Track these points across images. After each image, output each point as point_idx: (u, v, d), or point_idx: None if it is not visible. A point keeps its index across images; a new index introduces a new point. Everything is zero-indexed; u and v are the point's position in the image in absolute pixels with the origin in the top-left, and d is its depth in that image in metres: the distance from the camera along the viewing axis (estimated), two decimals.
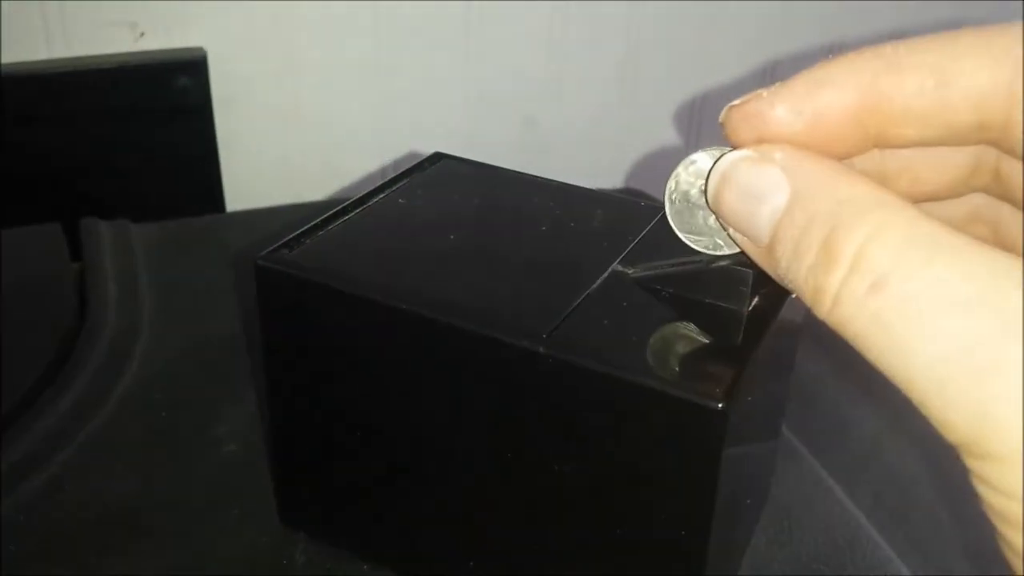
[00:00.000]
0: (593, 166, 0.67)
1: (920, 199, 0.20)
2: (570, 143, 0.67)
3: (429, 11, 0.59)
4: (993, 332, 0.14)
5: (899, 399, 0.39)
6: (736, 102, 0.20)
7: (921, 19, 0.73)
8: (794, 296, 0.20)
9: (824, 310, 0.17)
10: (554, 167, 0.33)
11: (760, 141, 0.19)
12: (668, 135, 0.71)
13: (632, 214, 0.28)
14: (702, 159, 0.22)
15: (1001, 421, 0.14)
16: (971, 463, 0.15)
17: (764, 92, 0.19)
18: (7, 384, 0.36)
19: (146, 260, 0.44)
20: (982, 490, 0.15)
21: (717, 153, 0.21)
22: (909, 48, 0.18)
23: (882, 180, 0.20)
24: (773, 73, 0.70)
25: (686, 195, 0.23)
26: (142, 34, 0.54)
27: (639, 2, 0.64)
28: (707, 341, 0.23)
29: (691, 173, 0.23)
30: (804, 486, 0.33)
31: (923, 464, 0.35)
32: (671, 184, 0.23)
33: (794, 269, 0.18)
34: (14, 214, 0.50)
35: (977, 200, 0.20)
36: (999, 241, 0.20)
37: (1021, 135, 0.17)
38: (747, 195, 0.19)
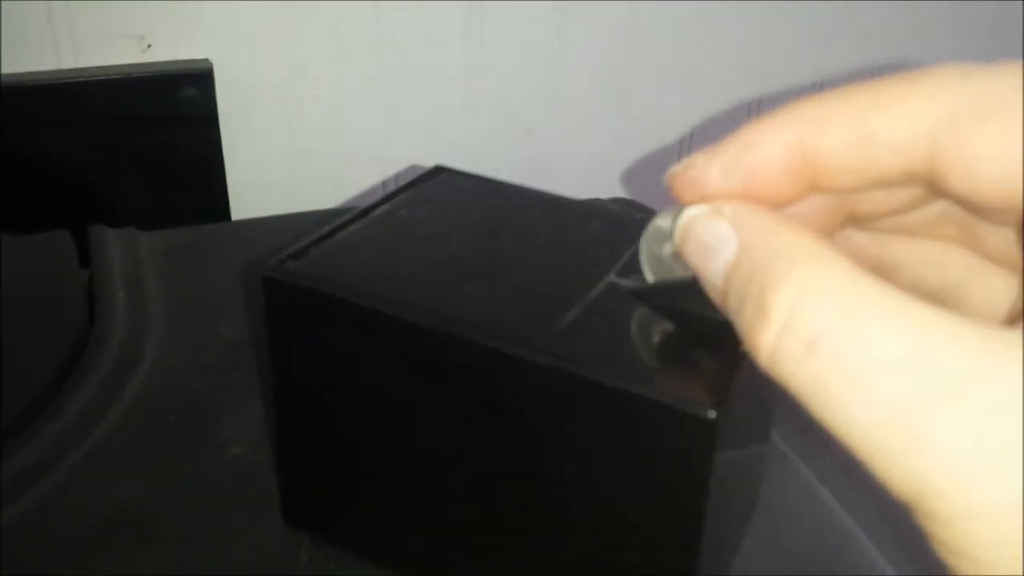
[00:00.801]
0: (590, 175, 0.68)
1: (887, 215, 0.21)
2: (568, 153, 0.68)
3: (431, 25, 0.60)
4: (925, 397, 0.14)
5: None
6: (676, 168, 0.20)
7: (922, 19, 0.74)
8: None
9: (763, 364, 0.17)
10: (552, 176, 0.34)
11: (704, 200, 0.20)
12: (664, 145, 0.72)
13: (627, 226, 0.29)
14: (665, 220, 0.24)
15: (939, 487, 0.14)
16: (918, 520, 0.15)
17: (699, 158, 0.20)
18: (16, 389, 0.37)
19: (154, 267, 0.45)
20: (933, 544, 0.15)
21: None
22: (833, 103, 0.18)
23: (843, 207, 0.20)
24: (763, 95, 0.71)
25: (656, 254, 0.25)
26: (149, 46, 0.55)
27: (637, 13, 0.65)
28: (698, 351, 0.24)
29: (653, 236, 0.24)
30: (793, 490, 0.34)
31: None
32: (642, 243, 0.24)
33: (739, 321, 0.18)
34: (23, 222, 0.51)
35: (943, 203, 0.20)
36: (968, 238, 0.20)
37: (949, 181, 0.17)
38: (703, 248, 0.19)
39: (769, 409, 0.31)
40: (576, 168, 0.68)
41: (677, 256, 0.25)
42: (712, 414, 0.22)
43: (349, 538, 0.30)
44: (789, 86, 0.73)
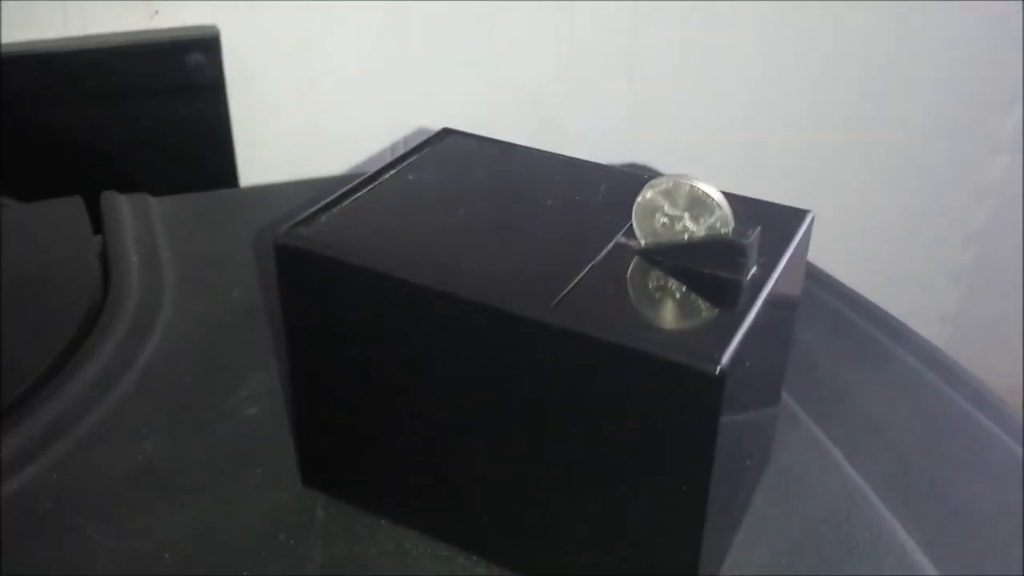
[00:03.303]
0: (599, 142, 0.68)
1: None
2: (577, 120, 0.68)
3: None
4: None
5: (897, 367, 0.40)
6: None
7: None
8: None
9: None
10: (561, 144, 0.34)
11: None
12: (674, 114, 0.72)
13: (636, 187, 0.29)
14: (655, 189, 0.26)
15: None
16: None
17: None
18: (35, 353, 0.37)
19: (166, 232, 0.45)
20: None
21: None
22: None
23: None
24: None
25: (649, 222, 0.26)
26: (156, 12, 0.55)
27: None
28: (706, 309, 0.25)
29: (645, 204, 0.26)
30: (804, 451, 0.34)
31: (923, 431, 0.36)
32: (635, 212, 0.26)
33: None
34: (34, 189, 0.51)
35: None
36: None
37: None
38: None
39: (779, 370, 0.31)
40: (585, 135, 0.68)
41: (669, 224, 0.26)
42: (717, 369, 0.22)
43: (364, 496, 0.30)
44: (801, 51, 0.72)
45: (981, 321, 0.90)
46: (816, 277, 0.45)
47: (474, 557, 0.29)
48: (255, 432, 0.33)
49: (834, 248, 0.62)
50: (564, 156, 0.32)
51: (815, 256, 0.47)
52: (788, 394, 0.36)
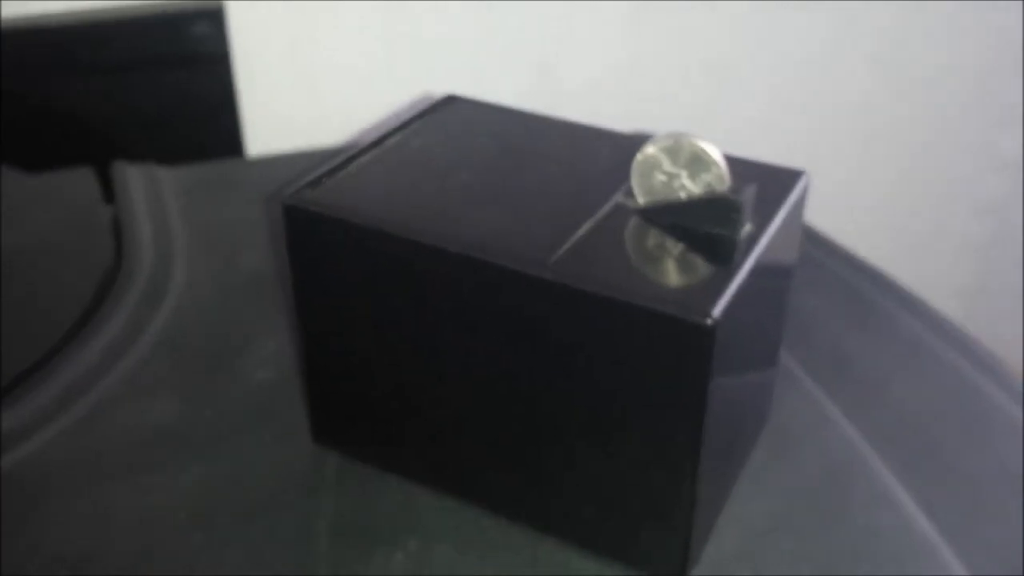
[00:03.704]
0: (605, 109, 0.69)
1: None
2: (583, 88, 0.68)
3: None
4: None
5: (899, 330, 0.41)
6: None
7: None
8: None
9: None
10: (566, 111, 0.35)
11: None
12: (680, 80, 0.72)
13: (636, 150, 0.30)
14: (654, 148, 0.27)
15: None
16: None
17: None
18: (51, 320, 0.38)
19: (175, 201, 0.46)
20: None
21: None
22: None
23: None
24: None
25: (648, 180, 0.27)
26: None
27: None
28: (700, 265, 0.25)
29: (644, 163, 0.27)
30: (803, 410, 0.35)
31: (926, 395, 0.37)
32: (634, 170, 0.27)
33: None
34: (45, 160, 0.52)
35: None
36: None
37: None
38: None
39: (776, 328, 0.32)
40: (591, 103, 0.68)
41: (667, 181, 0.27)
42: (709, 321, 0.23)
43: (373, 451, 0.31)
44: (814, 14, 0.72)
45: (998, 294, 0.90)
46: (825, 244, 0.46)
47: (478, 508, 0.30)
48: (267, 393, 0.34)
49: (847, 217, 0.63)
50: (566, 121, 0.33)
51: (827, 225, 0.47)
52: (791, 356, 0.37)
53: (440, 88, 0.44)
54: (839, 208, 0.73)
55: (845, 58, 0.75)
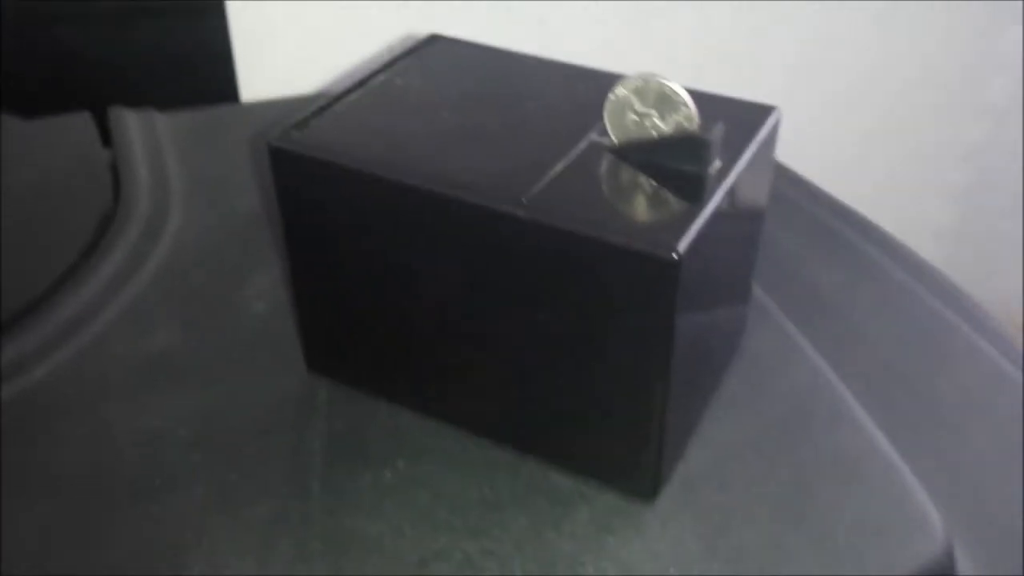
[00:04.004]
0: (601, 65, 0.69)
1: None
2: (579, 43, 0.69)
3: None
4: None
5: (873, 270, 0.42)
6: None
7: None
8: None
9: None
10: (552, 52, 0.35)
11: None
12: (681, 34, 0.72)
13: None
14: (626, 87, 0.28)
15: None
16: None
17: None
18: (52, 258, 0.40)
19: (172, 145, 0.47)
20: None
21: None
22: None
23: None
24: None
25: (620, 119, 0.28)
26: None
27: None
28: (669, 201, 0.27)
29: (616, 102, 0.28)
30: (775, 342, 0.36)
31: (896, 330, 0.39)
32: (606, 109, 0.28)
33: None
34: (44, 105, 0.53)
35: None
36: None
37: None
38: None
39: (747, 264, 0.34)
40: (587, 59, 0.69)
41: (639, 121, 0.28)
42: (674, 255, 0.24)
43: (363, 379, 0.33)
44: None
45: (978, 239, 0.91)
46: (804, 186, 0.47)
47: (463, 431, 0.31)
48: (262, 325, 0.36)
49: (827, 160, 0.64)
50: (546, 59, 0.34)
51: (809, 167, 0.49)
52: (765, 293, 0.38)
53: (425, 26, 0.45)
54: (823, 150, 0.74)
55: None
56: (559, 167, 0.27)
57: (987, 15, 0.80)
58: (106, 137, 0.48)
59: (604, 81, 0.32)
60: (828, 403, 0.33)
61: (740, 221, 0.30)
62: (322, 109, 0.30)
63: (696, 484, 0.30)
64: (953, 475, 0.32)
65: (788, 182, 0.47)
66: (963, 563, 0.29)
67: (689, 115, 0.27)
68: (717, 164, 0.28)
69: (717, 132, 0.27)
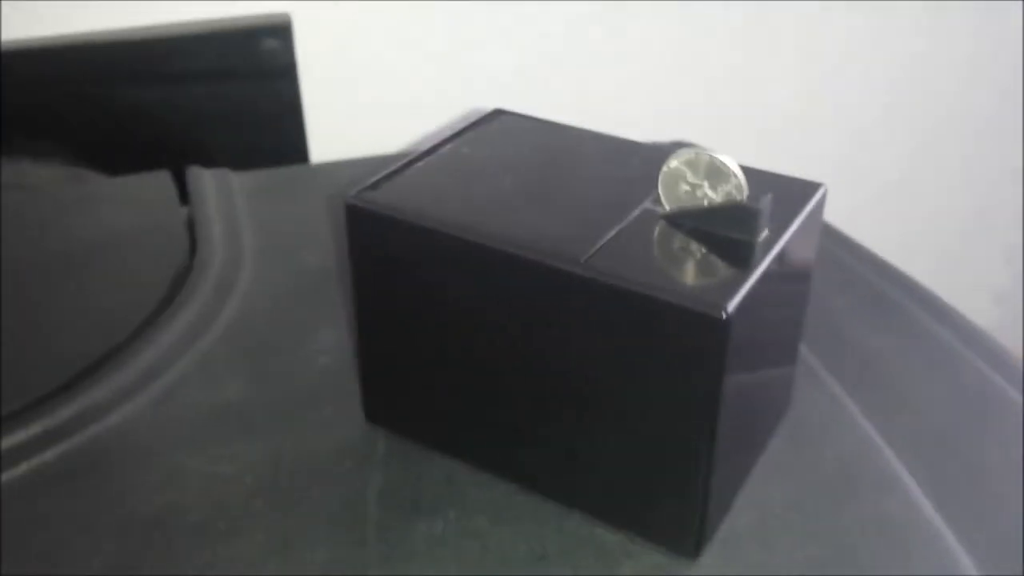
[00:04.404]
0: (646, 122, 0.71)
1: None
2: (625, 101, 0.71)
3: None
4: None
5: (921, 334, 0.42)
6: None
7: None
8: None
9: None
10: (608, 125, 0.37)
11: None
12: (720, 93, 0.74)
13: (663, 160, 0.33)
14: (679, 160, 0.30)
15: None
16: None
17: None
18: (131, 310, 0.42)
19: (245, 203, 0.50)
20: None
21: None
22: None
23: None
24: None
25: (673, 190, 0.30)
26: None
27: None
28: (719, 266, 0.28)
29: (669, 174, 0.30)
30: (822, 404, 0.37)
31: (943, 395, 0.39)
32: (660, 180, 0.30)
33: None
34: (127, 163, 0.57)
35: None
36: None
37: None
38: None
39: (795, 327, 0.34)
40: (633, 116, 0.71)
41: (691, 191, 0.30)
42: (724, 314, 0.25)
43: (420, 431, 0.34)
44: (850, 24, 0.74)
45: None
46: (854, 249, 0.48)
47: (512, 484, 0.33)
48: (325, 378, 0.38)
49: (883, 225, 0.64)
50: (601, 133, 0.36)
51: (862, 232, 0.49)
52: (813, 354, 0.39)
53: (488, 101, 0.48)
54: (879, 215, 0.75)
55: (884, 66, 0.77)
56: (615, 231, 0.29)
57: None
58: (184, 195, 0.51)
59: (654, 152, 0.34)
60: (874, 468, 0.34)
61: (787, 286, 0.31)
62: (394, 172, 0.32)
63: (740, 544, 0.31)
64: (999, 545, 0.32)
65: (840, 246, 0.48)
66: None
67: (739, 185, 0.29)
68: (765, 233, 0.29)
69: (766, 202, 0.29)
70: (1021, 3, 0.77)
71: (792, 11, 0.72)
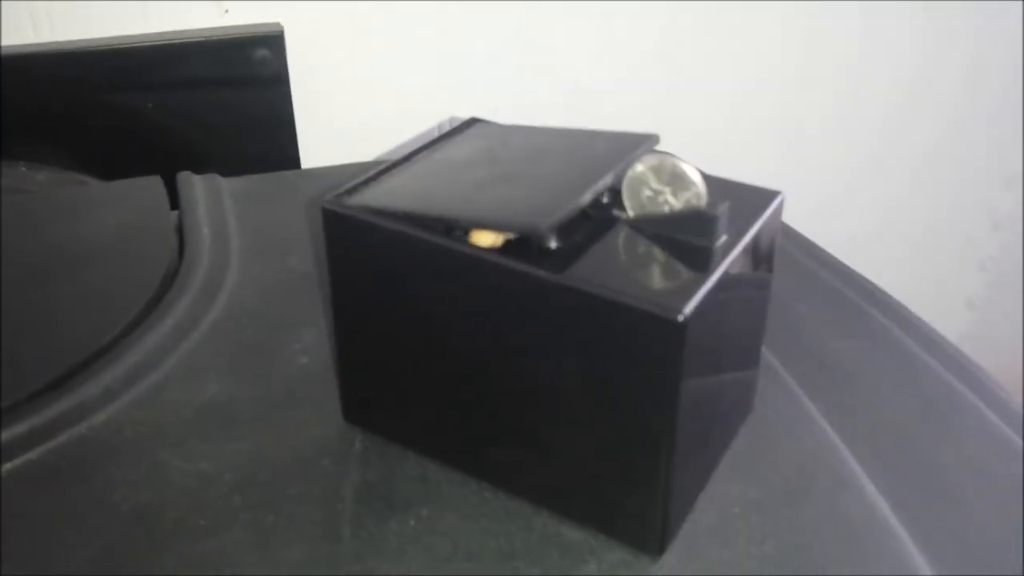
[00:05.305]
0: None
1: None
2: (615, 109, 0.72)
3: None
4: None
5: (879, 334, 0.43)
6: None
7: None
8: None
9: None
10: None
11: None
12: (709, 101, 0.75)
13: (627, 146, 0.33)
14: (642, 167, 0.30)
15: None
16: None
17: None
18: (120, 309, 0.43)
19: (234, 208, 0.51)
20: None
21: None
22: None
23: None
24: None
25: (637, 196, 0.31)
26: (227, 11, 0.61)
27: None
28: (677, 269, 0.29)
29: (633, 180, 0.31)
30: (784, 405, 0.38)
31: (901, 397, 0.40)
32: (624, 187, 0.31)
33: None
34: (120, 168, 0.58)
35: None
36: None
37: None
38: None
39: (755, 330, 0.35)
40: (622, 125, 0.72)
41: (654, 198, 0.31)
42: (681, 317, 0.26)
43: (395, 431, 0.35)
44: (837, 55, 0.75)
45: (1007, 308, 0.91)
46: (818, 256, 0.49)
47: (482, 483, 0.34)
48: (305, 377, 0.39)
49: (854, 226, 0.65)
50: (570, 129, 0.36)
51: (830, 239, 0.50)
52: (776, 357, 0.40)
53: (477, 108, 0.49)
54: (853, 216, 0.76)
55: (866, 81, 0.78)
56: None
57: (1016, 86, 0.82)
58: (174, 199, 0.52)
59: (618, 138, 0.34)
60: (832, 468, 0.35)
61: (747, 290, 0.32)
62: (369, 179, 0.33)
63: (701, 541, 0.32)
64: (953, 544, 0.33)
65: (802, 250, 0.49)
66: None
67: (699, 194, 0.30)
68: (723, 239, 0.30)
69: (723, 210, 0.30)
70: (1021, 3, 0.78)
71: (789, 11, 0.73)
